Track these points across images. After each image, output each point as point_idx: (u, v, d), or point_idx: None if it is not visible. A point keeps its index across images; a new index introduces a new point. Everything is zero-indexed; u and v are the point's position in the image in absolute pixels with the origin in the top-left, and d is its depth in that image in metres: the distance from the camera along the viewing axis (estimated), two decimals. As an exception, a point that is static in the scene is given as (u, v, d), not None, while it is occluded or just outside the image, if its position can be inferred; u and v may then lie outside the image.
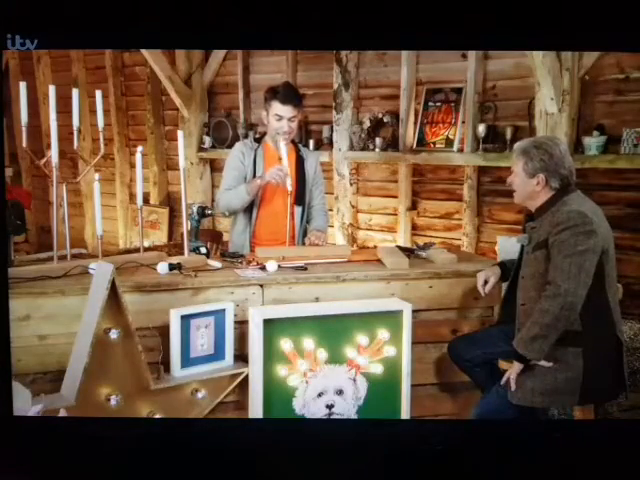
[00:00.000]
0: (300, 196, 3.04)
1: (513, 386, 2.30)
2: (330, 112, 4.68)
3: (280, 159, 2.97)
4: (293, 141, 3.09)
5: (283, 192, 2.96)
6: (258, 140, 3.09)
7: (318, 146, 4.75)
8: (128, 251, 4.45)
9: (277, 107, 2.93)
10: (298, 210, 3.06)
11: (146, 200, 5.57)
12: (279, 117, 2.94)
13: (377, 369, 2.46)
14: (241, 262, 2.68)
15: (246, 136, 4.85)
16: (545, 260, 2.27)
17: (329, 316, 2.44)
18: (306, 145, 4.74)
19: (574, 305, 2.19)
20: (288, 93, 2.95)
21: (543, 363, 2.27)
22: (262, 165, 3.00)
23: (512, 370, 2.31)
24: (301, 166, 3.07)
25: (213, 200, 5.27)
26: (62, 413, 2.16)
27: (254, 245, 3.01)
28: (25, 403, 2.18)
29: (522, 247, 2.44)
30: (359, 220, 4.79)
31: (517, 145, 2.45)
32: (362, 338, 2.43)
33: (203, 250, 2.75)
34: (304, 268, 2.64)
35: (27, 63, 6.24)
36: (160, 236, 5.67)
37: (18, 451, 2.37)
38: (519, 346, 2.27)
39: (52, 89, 2.53)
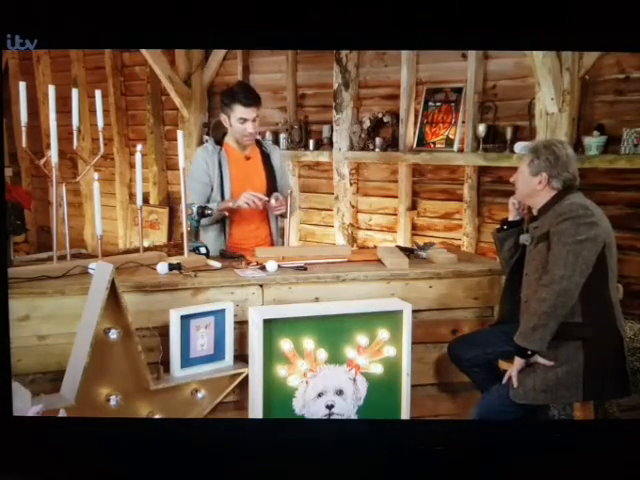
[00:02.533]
0: (271, 190, 3.01)
1: (515, 383, 2.30)
2: (330, 112, 4.68)
3: (247, 158, 2.99)
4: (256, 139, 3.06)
5: (256, 191, 2.94)
6: (219, 142, 3.02)
7: (318, 146, 4.75)
8: (128, 251, 4.45)
9: (240, 110, 2.88)
10: None
11: (146, 200, 5.57)
12: (243, 120, 2.90)
13: (377, 369, 2.46)
14: (241, 262, 2.69)
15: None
16: (547, 252, 2.29)
17: (329, 316, 2.44)
18: (306, 145, 4.76)
19: (570, 291, 2.21)
20: (248, 94, 2.91)
21: (544, 361, 2.28)
22: (227, 168, 2.96)
23: (513, 367, 2.32)
24: (268, 161, 3.06)
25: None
26: (62, 413, 2.16)
27: (232, 248, 2.96)
28: (25, 403, 2.18)
29: (524, 247, 2.45)
30: (359, 220, 4.79)
31: (528, 144, 2.47)
32: (362, 338, 2.43)
33: (203, 250, 2.75)
34: (304, 268, 2.64)
35: (27, 63, 6.24)
36: (160, 236, 5.67)
37: (18, 451, 2.37)
38: (520, 339, 2.28)
39: (52, 89, 2.53)
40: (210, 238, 2.99)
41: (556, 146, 2.39)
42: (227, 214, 2.95)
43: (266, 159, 3.06)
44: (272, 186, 3.03)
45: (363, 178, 4.74)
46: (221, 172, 2.95)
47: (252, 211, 2.98)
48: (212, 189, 2.96)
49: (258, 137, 3.07)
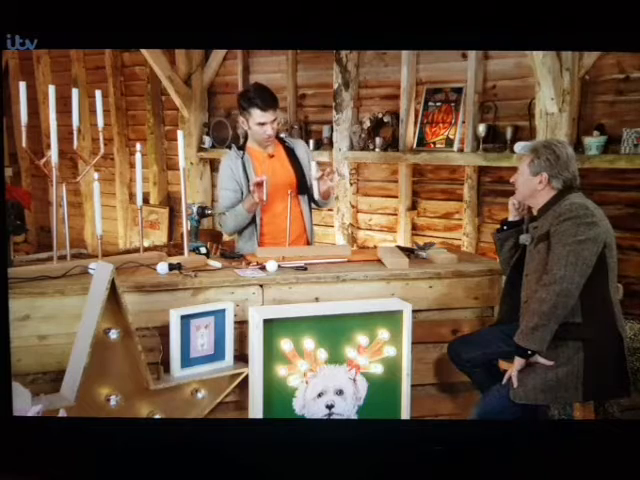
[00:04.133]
0: (301, 184, 3.01)
1: (515, 383, 2.30)
2: (330, 112, 4.68)
3: (270, 156, 2.99)
4: (277, 136, 3.05)
5: (283, 191, 2.95)
6: (242, 146, 3.03)
7: (318, 146, 4.75)
8: (128, 251, 4.45)
9: (258, 115, 2.88)
10: (303, 198, 3.03)
11: (146, 200, 5.57)
12: (262, 123, 2.90)
13: (377, 369, 2.46)
14: (241, 262, 2.68)
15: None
16: (547, 252, 2.29)
17: (329, 316, 2.44)
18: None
19: (570, 291, 2.21)
20: (265, 98, 2.89)
21: (544, 362, 2.28)
22: (252, 169, 2.96)
23: (513, 367, 2.32)
24: (293, 155, 3.06)
25: (213, 200, 5.28)
26: (62, 413, 2.16)
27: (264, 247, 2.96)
28: (25, 403, 2.18)
29: (524, 247, 2.45)
30: (359, 220, 4.79)
31: (528, 143, 2.47)
32: (362, 338, 2.42)
33: (203, 250, 2.75)
34: (304, 268, 2.64)
35: (27, 63, 6.24)
36: (160, 236, 5.67)
37: (18, 451, 2.37)
38: (520, 339, 2.28)
39: (52, 89, 2.53)
40: (243, 240, 3.00)
41: (556, 146, 2.38)
42: (254, 213, 2.93)
43: (291, 154, 3.06)
44: (301, 179, 3.02)
45: (363, 178, 4.74)
46: (247, 175, 2.95)
47: (284, 208, 2.94)
48: (243, 193, 2.96)
49: (284, 135, 3.08)
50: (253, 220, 2.97)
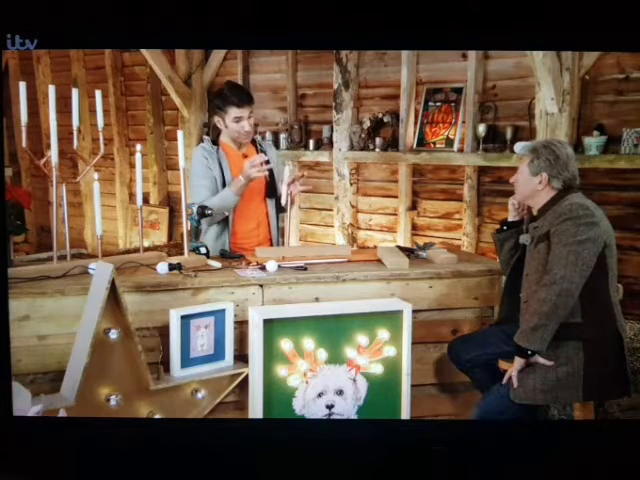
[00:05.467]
0: (271, 189, 3.03)
1: (515, 383, 2.30)
2: (330, 112, 4.68)
3: (244, 156, 2.99)
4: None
5: (256, 189, 2.96)
6: (215, 141, 3.02)
7: (318, 146, 4.75)
8: (128, 251, 4.46)
9: (235, 111, 2.89)
10: (270, 203, 3.05)
11: (146, 200, 5.57)
12: (238, 119, 2.91)
13: (377, 369, 2.46)
14: (241, 262, 2.69)
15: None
16: (547, 252, 2.29)
17: (329, 316, 2.44)
18: (306, 145, 4.77)
19: (570, 291, 2.21)
20: (240, 95, 2.92)
21: (544, 362, 2.28)
22: (228, 166, 2.96)
23: (513, 367, 2.32)
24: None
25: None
26: (62, 413, 2.16)
27: (234, 247, 2.97)
28: (25, 403, 2.18)
29: (524, 247, 2.45)
30: (359, 220, 4.79)
31: (527, 143, 2.47)
32: (362, 338, 2.43)
33: (203, 250, 2.75)
34: (304, 268, 2.64)
35: (27, 63, 6.25)
36: (160, 236, 5.67)
37: (18, 451, 2.37)
38: (520, 339, 2.28)
39: (52, 89, 2.53)
40: (211, 237, 2.99)
41: (556, 146, 2.38)
42: (227, 213, 2.95)
43: None
44: (271, 184, 3.03)
45: (363, 178, 4.74)
46: (222, 170, 2.95)
47: (254, 209, 2.99)
48: (217, 186, 2.95)
49: (256, 137, 3.08)
50: (225, 218, 2.96)
